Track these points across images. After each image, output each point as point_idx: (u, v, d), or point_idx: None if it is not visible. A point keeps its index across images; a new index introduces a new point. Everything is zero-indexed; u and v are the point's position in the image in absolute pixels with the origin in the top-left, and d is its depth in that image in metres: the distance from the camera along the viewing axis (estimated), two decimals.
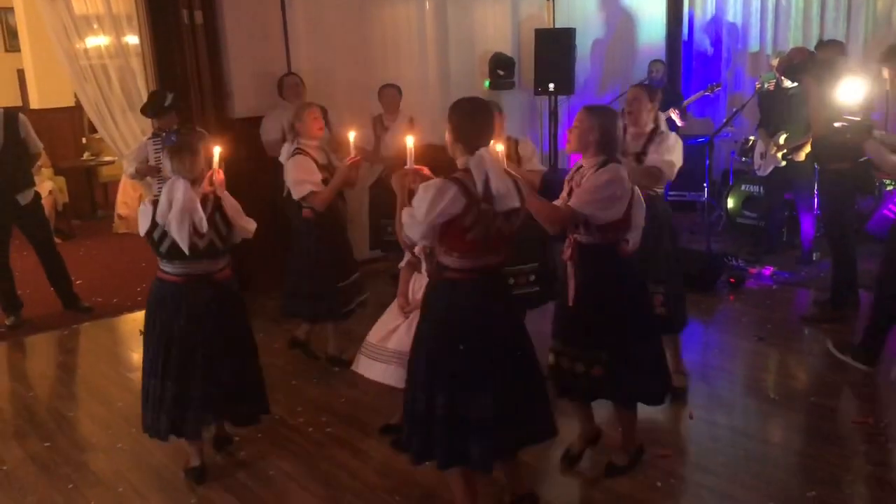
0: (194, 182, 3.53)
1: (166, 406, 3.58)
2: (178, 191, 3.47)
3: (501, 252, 3.01)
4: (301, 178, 4.53)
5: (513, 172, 3.11)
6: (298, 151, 4.58)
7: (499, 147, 3.51)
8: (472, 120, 2.94)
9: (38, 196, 6.05)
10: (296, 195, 4.55)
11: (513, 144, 4.79)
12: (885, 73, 4.52)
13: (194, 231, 3.47)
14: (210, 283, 3.62)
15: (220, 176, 3.66)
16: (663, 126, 4.21)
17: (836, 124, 4.97)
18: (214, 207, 3.58)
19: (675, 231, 4.37)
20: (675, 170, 4.10)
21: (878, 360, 4.47)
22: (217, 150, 3.70)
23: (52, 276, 6.18)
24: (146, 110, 5.71)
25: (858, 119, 4.89)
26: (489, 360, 2.95)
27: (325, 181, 4.60)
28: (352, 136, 4.58)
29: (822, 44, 6.31)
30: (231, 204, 3.66)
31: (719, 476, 3.54)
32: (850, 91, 4.97)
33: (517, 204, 2.93)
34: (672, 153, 4.09)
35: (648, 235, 3.81)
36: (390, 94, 6.33)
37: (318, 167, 4.59)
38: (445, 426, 2.93)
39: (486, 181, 2.87)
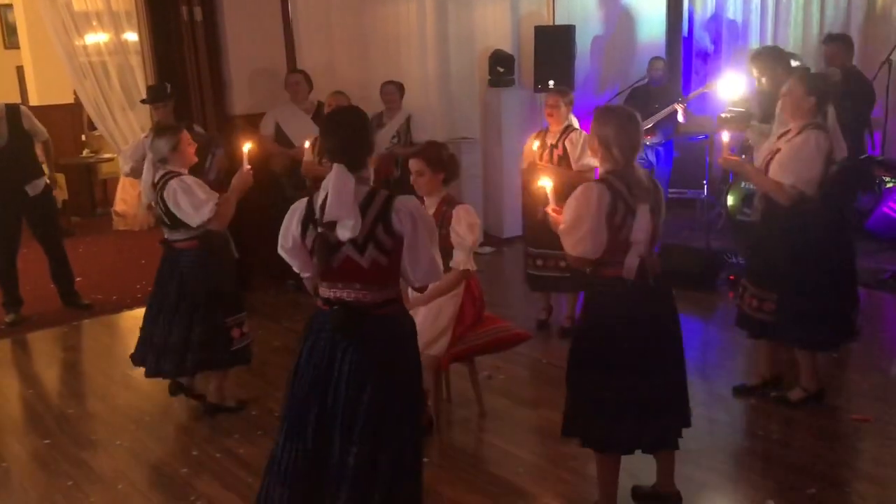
0: (163, 161, 3.99)
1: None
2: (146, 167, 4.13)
3: (361, 287, 2.64)
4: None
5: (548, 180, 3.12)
6: (314, 138, 5.24)
7: (534, 145, 3.56)
8: (327, 133, 2.73)
9: (48, 187, 6.06)
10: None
11: (563, 139, 4.95)
12: (754, 72, 4.90)
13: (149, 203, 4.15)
14: (169, 249, 4.14)
15: (245, 174, 4.01)
16: (830, 121, 3.85)
17: (723, 114, 5.60)
18: (160, 188, 3.97)
19: (833, 248, 4.00)
20: (804, 184, 3.72)
21: (857, 330, 4.39)
22: (246, 147, 4.00)
23: (55, 271, 6.19)
24: (147, 97, 5.71)
25: (741, 110, 5.40)
26: (306, 406, 2.67)
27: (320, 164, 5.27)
28: (307, 143, 5.35)
29: (830, 38, 6.12)
30: (174, 190, 3.91)
31: (719, 473, 3.55)
32: (731, 86, 5.58)
33: (349, 234, 2.56)
34: (791, 163, 3.72)
35: (771, 244, 3.94)
36: (388, 92, 6.34)
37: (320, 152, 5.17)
38: None
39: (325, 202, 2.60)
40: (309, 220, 2.64)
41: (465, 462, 3.79)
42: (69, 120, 9.73)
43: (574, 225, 2.94)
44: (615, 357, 2.98)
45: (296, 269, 2.76)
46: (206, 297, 4.10)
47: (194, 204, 3.90)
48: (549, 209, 3.19)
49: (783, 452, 3.73)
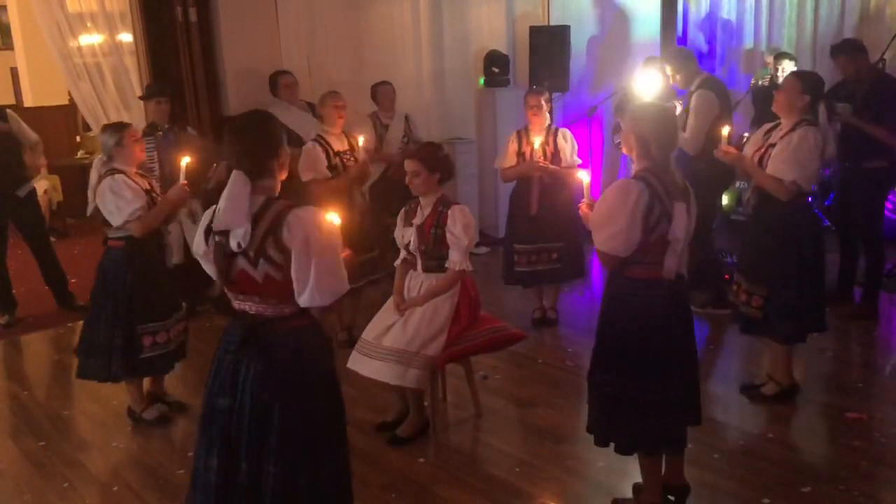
0: (109, 157, 3.98)
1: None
2: None
3: (260, 301, 2.53)
4: (306, 166, 4.87)
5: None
6: (316, 140, 4.98)
7: (537, 141, 3.52)
8: (230, 138, 2.55)
9: (34, 191, 6.06)
10: (303, 179, 4.89)
11: (552, 137, 5.03)
12: (668, 69, 5.32)
13: None
14: (104, 245, 4.14)
15: (180, 189, 3.99)
16: (821, 119, 3.89)
17: None
18: (98, 184, 4.00)
19: (815, 244, 4.03)
20: (804, 180, 3.79)
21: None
22: (184, 162, 3.95)
23: (46, 274, 6.17)
24: (147, 93, 5.70)
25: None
26: (213, 420, 2.58)
27: (333, 168, 4.92)
28: (361, 140, 5.04)
29: (834, 49, 5.66)
30: (105, 187, 3.92)
31: (714, 471, 3.56)
32: (648, 82, 5.76)
33: (241, 244, 2.45)
34: (792, 160, 3.77)
35: (762, 237, 3.97)
36: (386, 92, 6.31)
37: (333, 154, 4.94)
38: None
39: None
40: (210, 230, 2.53)
41: (462, 462, 3.79)
42: (64, 121, 9.72)
43: (608, 220, 2.87)
44: (648, 357, 2.94)
45: (212, 276, 2.65)
46: (124, 300, 4.04)
47: (119, 205, 3.90)
48: (584, 204, 3.14)
49: (778, 450, 3.74)
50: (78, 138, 9.89)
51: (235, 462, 2.54)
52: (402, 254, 4.02)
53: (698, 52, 8.95)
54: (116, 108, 6.61)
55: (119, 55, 6.50)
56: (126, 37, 6.41)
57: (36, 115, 8.56)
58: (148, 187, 4.06)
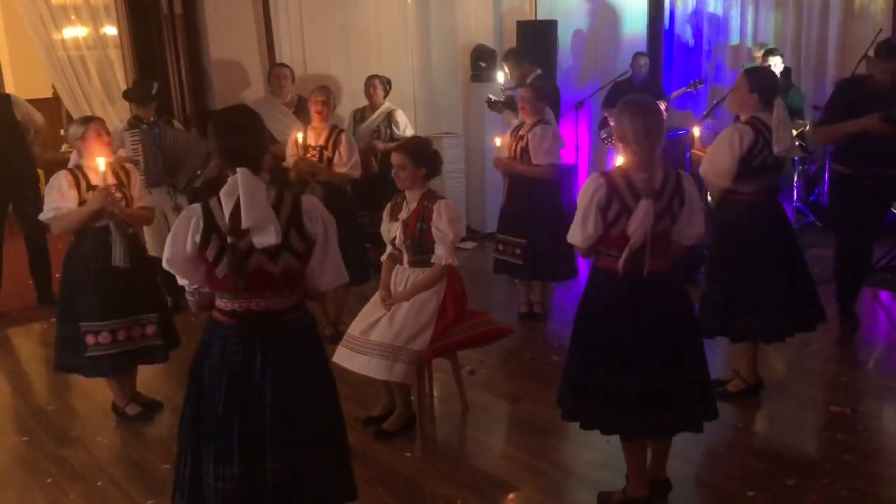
0: (77, 150, 3.98)
1: None
2: None
3: (271, 295, 2.52)
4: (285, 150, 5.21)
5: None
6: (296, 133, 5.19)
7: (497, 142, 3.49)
8: (223, 134, 2.50)
9: (37, 176, 6.04)
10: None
11: (527, 132, 5.07)
12: (507, 68, 6.15)
13: None
14: None
15: (105, 191, 3.86)
16: (776, 114, 3.77)
17: (492, 98, 6.21)
18: None
19: (765, 243, 3.94)
20: (712, 175, 3.82)
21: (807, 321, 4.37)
22: (102, 162, 3.84)
23: (33, 264, 6.13)
24: (131, 95, 5.66)
25: (505, 98, 6.21)
26: (227, 427, 2.53)
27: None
28: (300, 136, 5.10)
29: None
30: (49, 183, 3.92)
31: (700, 465, 3.58)
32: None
33: (274, 240, 2.41)
34: (707, 155, 3.85)
35: (718, 233, 3.99)
36: (369, 85, 6.33)
37: (303, 146, 5.10)
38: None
39: (235, 209, 2.41)
40: (211, 229, 2.44)
41: (448, 456, 3.80)
42: (48, 114, 9.57)
43: (577, 212, 3.00)
44: (604, 346, 3.02)
45: (185, 281, 2.54)
46: (65, 294, 4.04)
47: (46, 203, 3.90)
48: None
49: (763, 444, 3.77)
50: (62, 132, 9.81)
51: (259, 463, 2.52)
52: (389, 248, 4.02)
53: (685, 46, 9.00)
54: (101, 102, 6.57)
55: (103, 48, 6.45)
56: (111, 30, 6.37)
57: None
58: (98, 182, 3.87)
